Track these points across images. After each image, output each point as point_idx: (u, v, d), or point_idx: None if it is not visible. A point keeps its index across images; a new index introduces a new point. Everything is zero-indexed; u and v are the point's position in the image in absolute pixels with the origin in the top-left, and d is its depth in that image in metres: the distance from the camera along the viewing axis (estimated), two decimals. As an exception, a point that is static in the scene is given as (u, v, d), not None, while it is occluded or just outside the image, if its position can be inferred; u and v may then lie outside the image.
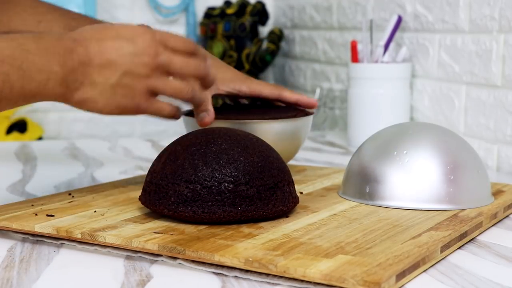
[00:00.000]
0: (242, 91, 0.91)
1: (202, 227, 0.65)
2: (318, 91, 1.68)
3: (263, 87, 0.92)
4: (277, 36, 2.02)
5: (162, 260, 0.61)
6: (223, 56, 2.08)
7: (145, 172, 0.94)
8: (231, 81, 0.91)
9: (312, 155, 1.22)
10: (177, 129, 2.25)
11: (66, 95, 0.68)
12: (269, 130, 0.83)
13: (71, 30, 0.73)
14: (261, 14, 2.08)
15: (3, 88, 0.65)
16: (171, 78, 0.72)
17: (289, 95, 0.92)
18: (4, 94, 0.65)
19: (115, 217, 0.69)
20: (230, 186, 0.66)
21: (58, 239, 0.66)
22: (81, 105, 0.69)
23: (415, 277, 0.56)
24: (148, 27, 0.71)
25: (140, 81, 0.69)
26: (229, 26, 2.06)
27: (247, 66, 2.06)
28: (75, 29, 0.72)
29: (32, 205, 0.74)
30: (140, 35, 0.69)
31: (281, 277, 0.55)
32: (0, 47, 0.65)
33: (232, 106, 0.95)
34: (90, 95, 0.69)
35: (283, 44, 2.08)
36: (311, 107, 0.93)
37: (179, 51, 0.71)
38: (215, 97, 0.90)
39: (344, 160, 1.15)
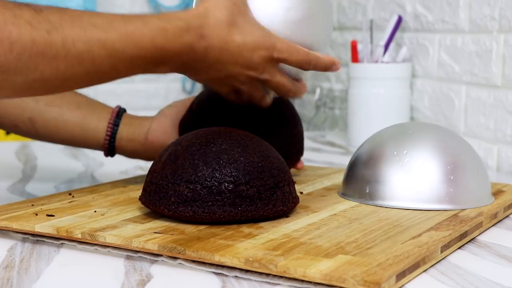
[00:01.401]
0: None
1: (202, 227, 0.65)
2: (318, 91, 1.68)
3: None
4: (277, 36, 2.02)
5: (162, 260, 0.61)
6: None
7: (145, 172, 0.93)
8: None
9: (312, 155, 1.22)
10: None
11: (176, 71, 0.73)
12: None
13: None
14: (261, 14, 2.07)
15: (110, 73, 0.68)
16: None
17: None
18: (111, 76, 0.69)
19: (115, 217, 0.69)
20: (230, 186, 0.66)
21: (58, 239, 0.66)
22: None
23: (415, 277, 0.56)
24: (275, 39, 0.73)
25: (237, 84, 0.74)
26: (229, 26, 2.06)
27: (247, 66, 2.06)
28: None
29: (32, 205, 0.74)
30: (260, 49, 0.72)
31: (281, 277, 0.55)
32: (131, 30, 0.66)
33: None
34: (193, 77, 0.74)
35: (283, 44, 2.08)
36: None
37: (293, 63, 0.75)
38: None
39: (344, 160, 1.15)
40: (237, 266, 0.56)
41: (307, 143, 1.37)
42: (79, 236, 0.64)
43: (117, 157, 1.21)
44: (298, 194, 0.79)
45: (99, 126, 0.90)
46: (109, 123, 0.90)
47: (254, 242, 0.60)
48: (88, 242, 0.64)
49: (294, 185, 0.72)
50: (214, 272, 0.58)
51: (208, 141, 0.68)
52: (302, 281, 0.54)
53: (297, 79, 0.78)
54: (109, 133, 0.90)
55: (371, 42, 1.35)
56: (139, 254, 0.62)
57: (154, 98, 2.20)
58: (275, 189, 0.68)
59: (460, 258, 0.62)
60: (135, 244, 0.61)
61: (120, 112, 0.91)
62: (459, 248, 0.65)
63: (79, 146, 0.95)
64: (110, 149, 0.91)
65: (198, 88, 2.27)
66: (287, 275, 0.54)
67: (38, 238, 0.67)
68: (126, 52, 0.66)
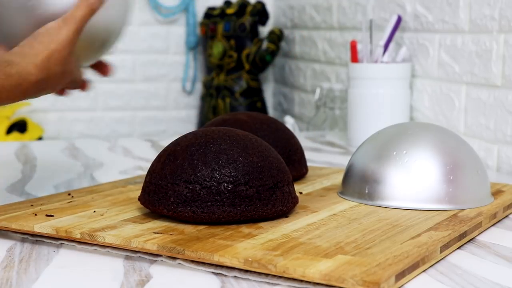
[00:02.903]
0: None
1: (201, 227, 0.65)
2: (318, 91, 1.68)
3: None
4: (277, 36, 2.02)
5: (162, 260, 0.61)
6: (223, 56, 2.08)
7: (145, 172, 0.93)
8: None
9: (312, 155, 1.22)
10: (177, 129, 2.26)
11: None
12: None
13: None
14: (261, 14, 2.08)
15: None
16: None
17: None
18: None
19: (115, 217, 0.69)
20: (230, 186, 0.66)
21: (58, 239, 0.66)
22: None
23: (414, 277, 0.56)
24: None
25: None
26: (229, 26, 2.06)
27: (247, 66, 2.07)
28: None
29: (32, 205, 0.74)
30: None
31: (280, 277, 0.55)
32: None
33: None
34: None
35: (283, 44, 2.08)
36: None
37: None
38: None
39: (344, 160, 1.15)
40: (237, 266, 0.56)
41: (307, 143, 1.38)
42: (78, 236, 0.64)
43: (117, 157, 1.21)
44: (298, 194, 0.79)
45: None
46: None
47: (253, 242, 0.60)
48: (87, 242, 0.64)
49: (293, 185, 0.72)
50: (213, 272, 0.58)
51: (207, 141, 0.68)
52: (301, 281, 0.54)
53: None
54: None
55: (371, 42, 1.35)
56: (138, 254, 0.62)
57: (154, 98, 2.20)
58: (275, 189, 0.68)
59: (460, 258, 0.62)
60: (135, 244, 0.61)
61: None
62: (458, 248, 0.65)
63: None
64: None
65: (198, 88, 2.27)
66: (286, 275, 0.54)
67: (37, 238, 0.67)
68: None
